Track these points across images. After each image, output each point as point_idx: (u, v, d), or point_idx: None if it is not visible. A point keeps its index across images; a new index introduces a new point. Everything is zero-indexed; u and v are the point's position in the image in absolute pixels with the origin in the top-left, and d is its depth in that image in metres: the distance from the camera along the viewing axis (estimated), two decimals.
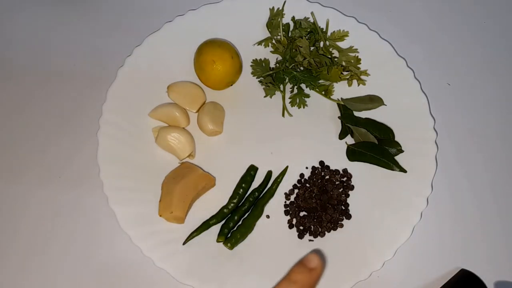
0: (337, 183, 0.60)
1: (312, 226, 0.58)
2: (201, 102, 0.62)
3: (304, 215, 0.58)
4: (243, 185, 0.59)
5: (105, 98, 0.61)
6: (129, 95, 0.62)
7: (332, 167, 0.60)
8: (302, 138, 0.62)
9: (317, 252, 0.51)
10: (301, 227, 0.58)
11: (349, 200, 0.59)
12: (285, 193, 0.60)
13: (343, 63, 0.64)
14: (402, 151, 0.60)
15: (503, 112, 0.64)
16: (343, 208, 0.58)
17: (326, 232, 0.58)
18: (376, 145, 0.60)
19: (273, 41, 0.65)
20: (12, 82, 0.66)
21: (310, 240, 0.57)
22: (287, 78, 0.63)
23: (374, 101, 0.62)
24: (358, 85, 0.64)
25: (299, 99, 0.62)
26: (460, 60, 0.67)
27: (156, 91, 0.63)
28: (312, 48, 0.64)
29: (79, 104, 0.64)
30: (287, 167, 0.60)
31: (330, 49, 0.65)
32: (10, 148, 0.63)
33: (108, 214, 0.57)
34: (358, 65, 0.64)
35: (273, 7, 0.66)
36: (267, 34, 0.66)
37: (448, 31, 0.69)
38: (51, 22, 0.69)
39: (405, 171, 0.59)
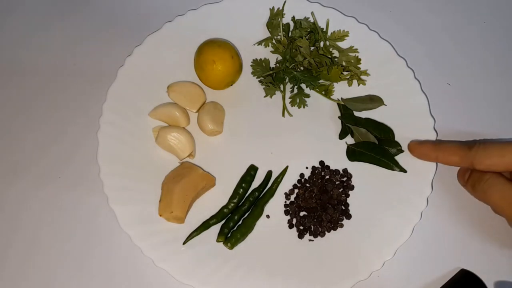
0: (337, 183, 0.60)
1: (312, 226, 0.58)
2: (201, 102, 0.62)
3: (304, 215, 0.58)
4: (243, 185, 0.59)
5: (105, 97, 0.61)
6: (129, 94, 0.62)
7: (332, 167, 0.60)
8: (302, 138, 0.62)
9: None
10: (301, 227, 0.58)
11: (349, 200, 0.59)
12: (285, 193, 0.60)
13: (343, 63, 0.64)
14: (402, 151, 0.60)
15: (503, 112, 0.64)
16: (343, 208, 0.58)
17: (326, 232, 0.58)
18: (376, 145, 0.60)
19: (273, 41, 0.65)
20: (12, 82, 0.66)
21: (310, 240, 0.57)
22: (287, 78, 0.63)
23: (374, 101, 0.62)
24: (358, 85, 0.64)
25: (299, 99, 0.62)
26: (460, 60, 0.67)
27: (156, 91, 0.63)
28: (312, 48, 0.64)
29: (79, 103, 0.64)
30: (287, 167, 0.60)
31: (330, 49, 0.65)
32: (10, 148, 0.63)
33: (108, 214, 0.57)
34: (358, 65, 0.64)
35: (273, 7, 0.66)
36: (267, 34, 0.66)
37: (448, 31, 0.69)
38: (51, 21, 0.69)
39: (405, 171, 0.59)
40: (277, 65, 0.64)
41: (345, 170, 0.60)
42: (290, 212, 0.58)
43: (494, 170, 0.54)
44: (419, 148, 0.59)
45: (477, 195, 0.56)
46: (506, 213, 0.53)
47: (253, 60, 0.64)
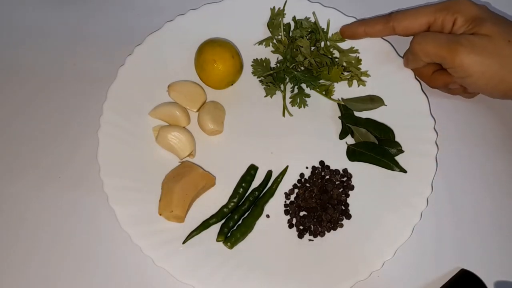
0: (337, 183, 0.60)
1: (312, 226, 0.58)
2: (201, 101, 0.62)
3: (304, 215, 0.58)
4: (243, 184, 0.59)
5: (105, 97, 0.61)
6: (129, 94, 0.62)
7: (332, 167, 0.60)
8: (303, 138, 0.62)
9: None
10: (301, 227, 0.58)
11: (349, 200, 0.59)
12: (285, 193, 0.60)
13: (344, 64, 0.64)
14: (402, 151, 0.60)
15: (504, 111, 0.64)
16: (343, 208, 0.58)
17: (326, 232, 0.58)
18: (376, 145, 0.60)
19: (274, 41, 0.65)
20: (12, 82, 0.66)
21: (310, 240, 0.57)
22: (288, 78, 0.63)
23: (374, 101, 0.62)
24: (358, 85, 0.64)
25: (299, 99, 0.62)
26: None
27: (157, 90, 0.63)
28: (313, 48, 0.64)
29: (80, 103, 0.65)
30: (287, 166, 0.60)
31: (331, 49, 0.65)
32: (10, 148, 0.63)
33: (108, 214, 0.57)
34: (359, 66, 0.64)
35: (274, 7, 0.66)
36: (268, 33, 0.66)
37: None
38: (51, 21, 0.69)
39: (405, 171, 0.59)
40: (278, 65, 0.64)
41: (345, 170, 0.60)
42: (290, 212, 0.58)
43: (411, 31, 0.60)
44: (349, 28, 0.64)
45: (416, 54, 0.58)
46: (445, 54, 0.55)
47: (254, 59, 0.64)
